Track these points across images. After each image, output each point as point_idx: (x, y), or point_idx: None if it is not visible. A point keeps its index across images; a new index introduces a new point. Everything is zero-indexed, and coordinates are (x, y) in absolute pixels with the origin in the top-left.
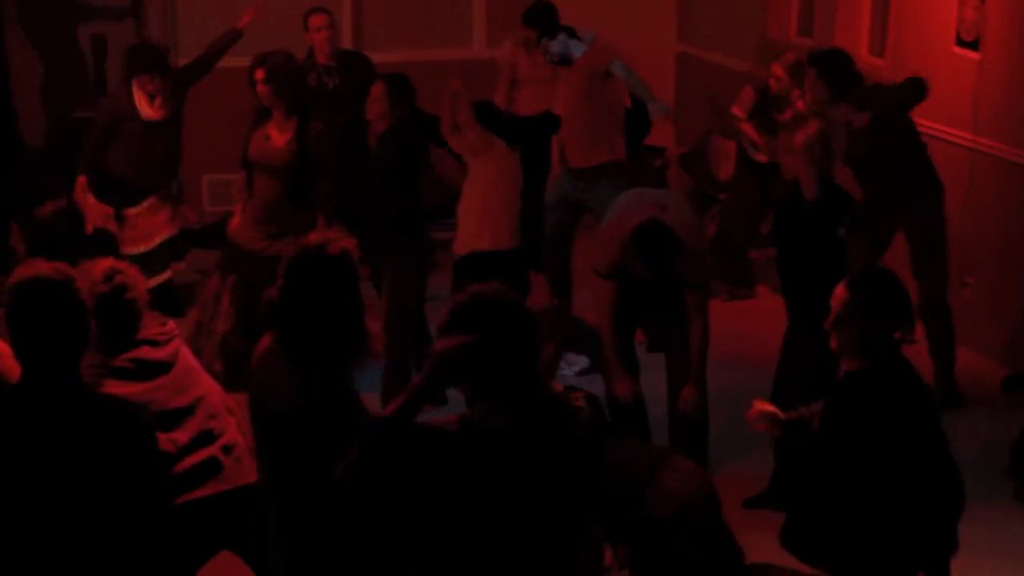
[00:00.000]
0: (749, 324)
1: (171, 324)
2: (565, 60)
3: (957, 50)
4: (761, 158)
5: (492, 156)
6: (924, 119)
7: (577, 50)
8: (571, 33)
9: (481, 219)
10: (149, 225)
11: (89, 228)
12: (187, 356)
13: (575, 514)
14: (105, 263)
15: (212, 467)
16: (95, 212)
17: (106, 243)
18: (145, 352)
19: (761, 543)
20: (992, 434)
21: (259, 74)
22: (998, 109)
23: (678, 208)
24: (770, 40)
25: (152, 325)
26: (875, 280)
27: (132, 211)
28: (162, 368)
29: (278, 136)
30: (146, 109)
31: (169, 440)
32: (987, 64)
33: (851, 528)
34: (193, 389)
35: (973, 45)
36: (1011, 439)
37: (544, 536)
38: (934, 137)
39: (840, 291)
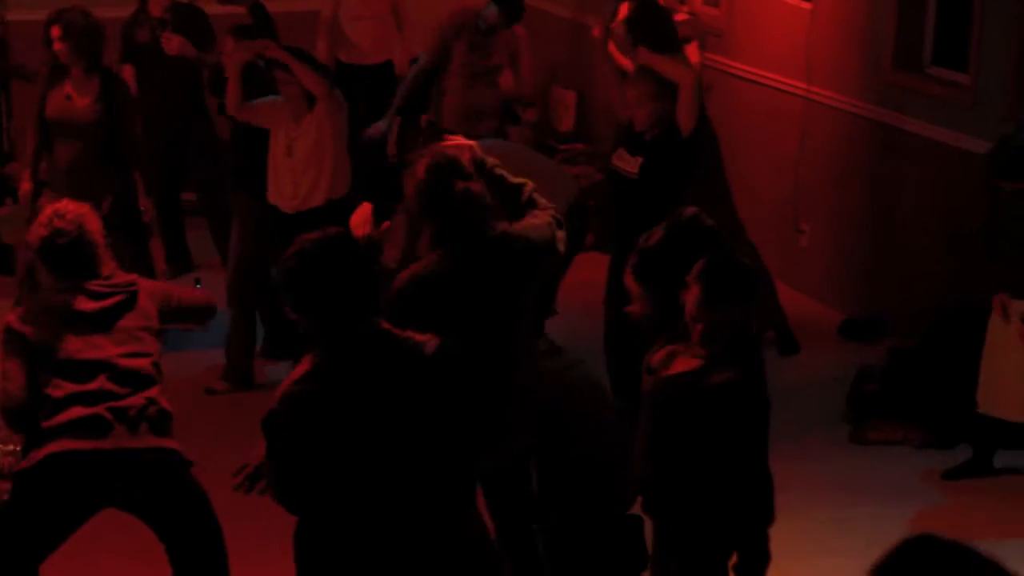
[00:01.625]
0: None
1: (126, 278)
2: (492, 31)
3: (790, 0)
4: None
5: (328, 109)
6: (759, 69)
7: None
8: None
9: (319, 175)
10: None
11: None
12: (137, 317)
13: (428, 433)
14: (53, 207)
15: (95, 424)
16: None
17: None
18: (78, 301)
19: None
20: (829, 379)
21: (55, 31)
22: (830, 58)
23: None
24: None
25: (103, 276)
26: (725, 273)
27: None
28: (86, 320)
29: (79, 95)
30: None
31: (57, 385)
32: (819, 13)
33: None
34: (115, 348)
35: None
36: (847, 384)
37: (403, 456)
38: (770, 87)
39: (692, 288)
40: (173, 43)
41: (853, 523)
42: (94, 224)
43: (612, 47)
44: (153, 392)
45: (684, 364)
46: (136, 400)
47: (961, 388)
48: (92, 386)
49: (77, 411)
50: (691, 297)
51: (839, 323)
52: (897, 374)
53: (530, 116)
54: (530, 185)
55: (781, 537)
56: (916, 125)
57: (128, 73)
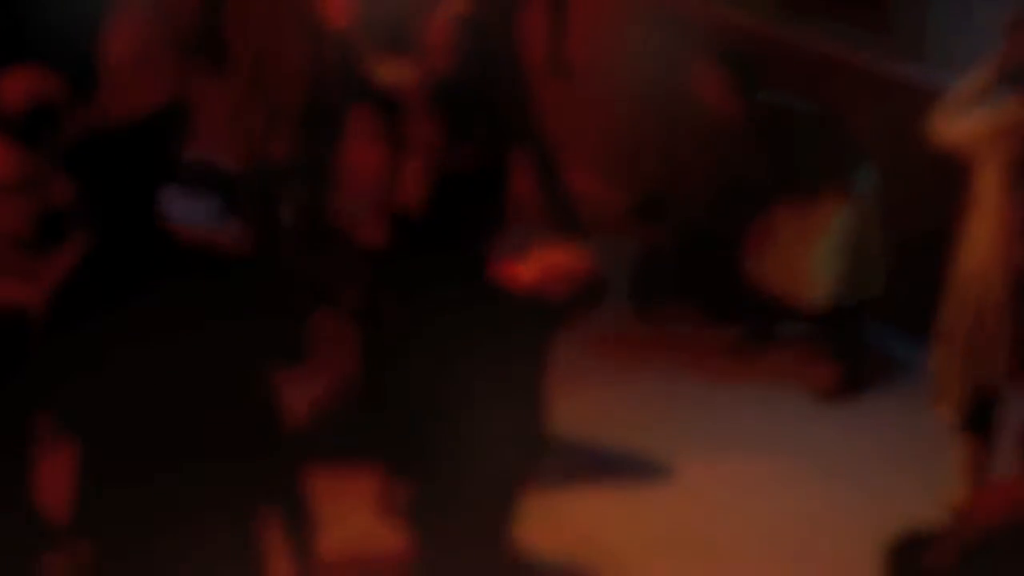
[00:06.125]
0: None
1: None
2: None
3: None
4: None
5: None
6: None
7: None
8: None
9: None
10: None
11: None
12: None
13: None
14: None
15: None
16: None
17: None
18: None
19: None
20: (615, 259)
21: None
22: None
23: None
24: None
25: None
26: None
27: None
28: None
29: None
30: None
31: None
32: None
33: None
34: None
35: None
36: (633, 264)
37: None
38: None
39: None
40: None
41: (644, 396)
42: None
43: None
44: None
45: None
46: None
47: (741, 264)
48: None
49: None
50: None
51: (627, 205)
52: (681, 253)
53: None
54: None
55: (573, 411)
56: None
57: None
